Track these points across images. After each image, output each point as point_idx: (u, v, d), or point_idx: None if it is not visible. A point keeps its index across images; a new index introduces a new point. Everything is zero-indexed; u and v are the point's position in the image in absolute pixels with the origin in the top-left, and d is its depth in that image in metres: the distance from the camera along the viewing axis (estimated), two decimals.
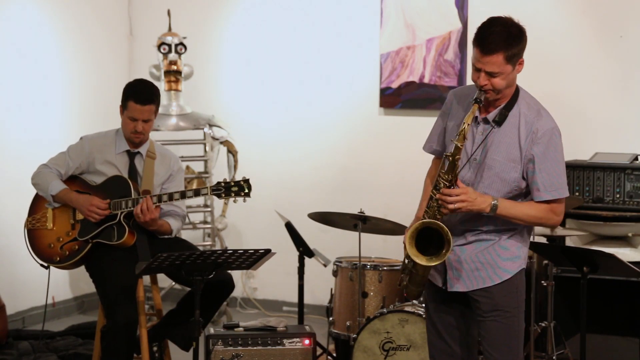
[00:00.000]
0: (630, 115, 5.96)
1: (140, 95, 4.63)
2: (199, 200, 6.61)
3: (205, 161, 6.59)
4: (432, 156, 3.79)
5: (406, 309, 4.82)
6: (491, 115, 3.49)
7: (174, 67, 6.48)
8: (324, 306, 5.67)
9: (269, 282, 7.02)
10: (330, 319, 5.30)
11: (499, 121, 3.47)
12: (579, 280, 4.23)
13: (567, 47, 6.10)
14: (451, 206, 3.41)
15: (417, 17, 6.46)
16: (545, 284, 5.10)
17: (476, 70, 3.42)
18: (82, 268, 4.76)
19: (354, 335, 4.89)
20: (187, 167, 6.63)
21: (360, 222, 5.08)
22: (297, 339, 4.73)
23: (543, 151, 3.44)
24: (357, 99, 6.74)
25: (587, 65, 6.07)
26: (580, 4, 6.09)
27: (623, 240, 5.45)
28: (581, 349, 4.25)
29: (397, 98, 6.56)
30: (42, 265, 4.73)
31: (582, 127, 5.90)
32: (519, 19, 3.43)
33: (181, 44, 6.46)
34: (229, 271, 4.53)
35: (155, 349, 4.78)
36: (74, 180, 4.76)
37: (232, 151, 6.61)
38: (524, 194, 3.53)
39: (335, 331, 5.24)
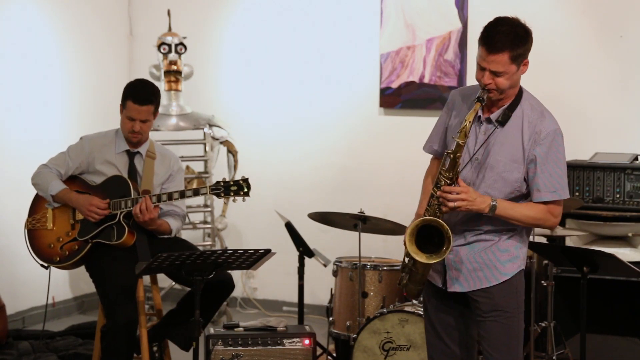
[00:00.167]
0: (630, 115, 5.96)
1: (138, 95, 4.63)
2: (199, 200, 6.61)
3: (205, 161, 6.59)
4: (432, 156, 3.79)
5: (406, 309, 4.82)
6: (494, 115, 3.49)
7: (174, 67, 6.48)
8: (324, 306, 5.67)
9: (269, 282, 7.02)
10: (330, 319, 5.30)
11: (502, 121, 3.48)
12: (579, 280, 4.22)
13: (567, 47, 6.10)
14: (451, 204, 3.41)
15: (417, 17, 6.46)
16: (545, 284, 5.10)
17: (481, 69, 3.42)
18: (82, 268, 4.77)
19: (354, 335, 4.89)
20: (187, 167, 6.63)
21: (360, 222, 5.08)
22: (297, 339, 4.73)
23: (545, 152, 3.44)
24: (357, 99, 6.74)
25: (587, 65, 6.07)
26: (580, 4, 6.09)
27: (623, 240, 5.45)
28: (581, 349, 4.25)
29: (397, 98, 6.56)
30: (42, 265, 4.73)
31: (582, 127, 5.90)
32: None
33: (181, 44, 6.46)
34: (229, 271, 4.53)
35: (155, 349, 4.78)
36: (73, 180, 4.76)
37: (232, 151, 6.61)
38: (525, 195, 3.54)
39: (335, 331, 5.24)
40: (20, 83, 6.47)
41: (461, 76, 6.33)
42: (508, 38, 3.36)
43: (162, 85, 6.46)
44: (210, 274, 4.08)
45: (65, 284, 6.81)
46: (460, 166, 3.45)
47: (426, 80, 6.46)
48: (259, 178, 5.95)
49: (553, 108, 3.60)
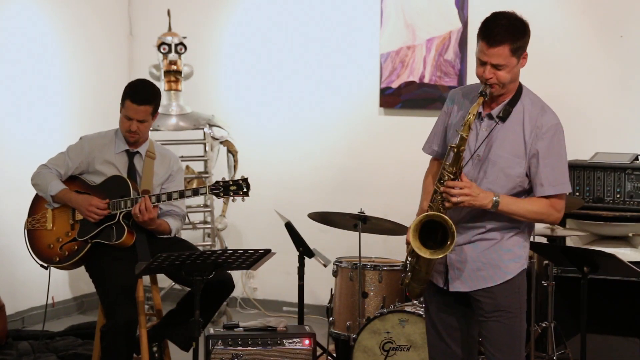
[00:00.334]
0: (630, 115, 5.96)
1: (137, 95, 4.62)
2: (199, 200, 6.60)
3: (205, 161, 6.59)
4: (431, 157, 3.79)
5: (406, 309, 4.81)
6: (495, 111, 3.50)
7: (174, 67, 6.48)
8: (324, 306, 5.67)
9: (269, 282, 7.01)
10: (330, 319, 5.29)
11: (503, 117, 3.48)
12: (579, 280, 4.22)
13: (567, 47, 6.10)
14: (454, 199, 3.40)
15: (417, 17, 6.45)
16: (545, 284, 5.10)
17: (481, 64, 3.43)
18: (82, 268, 4.76)
19: (354, 336, 4.89)
20: (187, 167, 6.63)
21: (360, 222, 5.08)
22: (297, 339, 4.73)
23: (547, 146, 3.45)
24: (357, 99, 6.73)
25: (587, 65, 6.06)
26: (580, 4, 6.08)
27: (623, 240, 5.45)
28: (581, 349, 4.25)
29: (397, 98, 6.56)
30: (41, 265, 4.73)
31: (582, 127, 5.90)
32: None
33: (181, 43, 6.46)
34: (229, 271, 4.53)
35: (155, 349, 4.77)
36: (73, 181, 4.75)
37: (232, 151, 6.61)
38: (527, 191, 3.54)
39: (335, 331, 5.24)
40: (20, 83, 6.47)
41: (461, 76, 6.32)
42: (507, 31, 3.38)
43: (162, 85, 6.46)
44: (210, 274, 4.07)
45: (65, 284, 6.80)
46: (463, 161, 3.44)
47: (426, 80, 6.46)
48: (259, 178, 5.95)
49: (553, 108, 3.60)
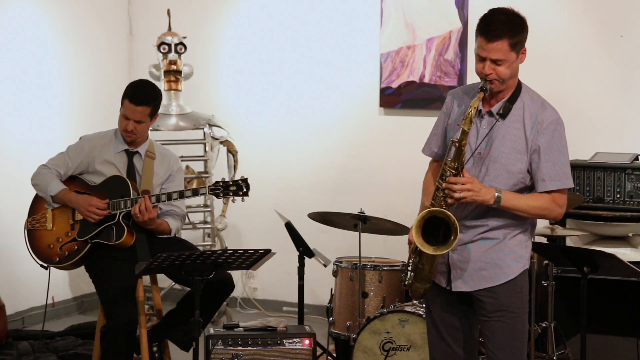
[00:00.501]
0: (630, 115, 5.96)
1: (135, 95, 4.62)
2: (199, 200, 6.60)
3: (205, 161, 6.58)
4: (430, 159, 3.79)
5: (406, 309, 4.82)
6: (495, 108, 3.50)
7: (174, 67, 6.48)
8: (324, 306, 5.67)
9: (269, 282, 7.01)
10: (330, 319, 5.29)
11: (503, 114, 3.49)
12: (579, 280, 4.22)
13: (568, 47, 6.10)
14: (457, 195, 3.40)
15: (417, 16, 6.45)
16: (545, 284, 5.10)
17: (480, 60, 3.44)
18: (82, 268, 4.76)
19: (354, 336, 4.89)
20: (187, 167, 6.63)
21: (360, 222, 5.08)
22: (297, 339, 4.73)
23: (548, 142, 3.46)
24: (357, 99, 6.73)
25: (587, 65, 6.06)
26: (580, 3, 6.08)
27: (623, 240, 5.45)
28: (581, 349, 4.25)
29: (397, 98, 6.56)
30: (41, 265, 4.73)
31: (583, 127, 5.89)
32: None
33: (181, 43, 6.46)
34: (229, 271, 4.53)
35: (155, 349, 4.77)
36: (73, 181, 4.75)
37: (232, 151, 6.61)
38: (529, 188, 3.53)
39: (335, 331, 5.24)
40: (20, 83, 6.47)
41: (461, 76, 6.32)
42: (506, 25, 3.39)
43: (162, 85, 6.46)
44: (210, 274, 4.07)
45: (65, 284, 6.80)
46: (465, 156, 3.44)
47: (426, 80, 6.45)
48: (259, 178, 5.95)
49: None
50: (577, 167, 5.44)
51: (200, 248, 5.39)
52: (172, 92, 6.50)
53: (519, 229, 3.55)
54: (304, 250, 5.26)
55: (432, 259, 3.50)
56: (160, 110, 5.28)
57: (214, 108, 6.88)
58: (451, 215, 3.39)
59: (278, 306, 6.99)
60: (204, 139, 6.55)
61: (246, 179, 4.53)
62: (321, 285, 6.40)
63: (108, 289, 4.51)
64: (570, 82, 6.06)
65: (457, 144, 3.42)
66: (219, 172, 6.52)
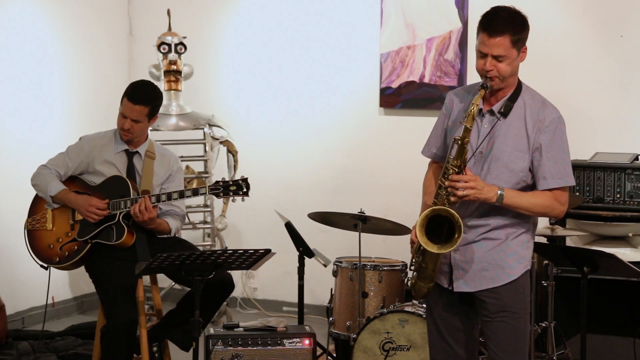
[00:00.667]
0: (630, 115, 5.96)
1: (134, 94, 4.62)
2: (199, 200, 6.60)
3: (205, 161, 6.58)
4: (430, 160, 3.78)
5: (406, 309, 4.82)
6: (496, 107, 3.51)
7: (174, 67, 6.47)
8: (324, 306, 5.67)
9: (269, 282, 7.01)
10: (330, 319, 5.29)
11: (505, 112, 3.49)
12: (579, 280, 4.22)
13: (568, 47, 6.10)
14: (460, 192, 3.40)
15: (417, 16, 6.45)
16: (545, 284, 5.10)
17: (482, 56, 3.44)
18: (82, 268, 4.76)
19: (354, 336, 4.89)
20: (187, 167, 6.63)
21: (360, 222, 5.08)
22: (297, 339, 4.73)
23: (550, 139, 3.46)
24: (357, 98, 6.73)
25: (587, 64, 6.06)
26: (580, 3, 6.08)
27: (623, 240, 5.45)
28: (581, 349, 4.25)
29: (397, 98, 6.56)
30: (41, 266, 4.73)
31: (583, 127, 5.89)
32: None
33: (181, 43, 6.46)
34: (229, 271, 4.52)
35: (155, 349, 4.77)
36: (73, 181, 4.75)
37: (232, 151, 6.61)
38: (531, 187, 3.53)
39: (335, 331, 5.24)
40: (20, 83, 6.47)
41: (461, 76, 6.32)
42: (508, 22, 3.41)
43: (162, 85, 6.46)
44: (210, 274, 4.07)
45: (65, 284, 6.80)
46: (467, 153, 3.44)
47: (426, 80, 6.45)
48: (259, 178, 5.95)
49: None
50: (577, 167, 5.44)
51: (200, 248, 5.39)
52: (172, 92, 6.50)
53: (521, 229, 3.55)
54: (304, 250, 5.26)
55: (435, 257, 3.50)
56: (160, 110, 5.27)
57: (214, 108, 6.88)
58: (455, 213, 3.39)
59: (278, 306, 6.99)
60: (204, 139, 6.55)
61: (246, 178, 4.53)
62: (321, 285, 6.40)
63: (108, 289, 4.51)
64: (570, 82, 6.06)
65: (459, 142, 3.42)
66: (219, 172, 6.52)
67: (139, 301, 4.49)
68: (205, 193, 4.55)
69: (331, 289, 5.36)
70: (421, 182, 3.79)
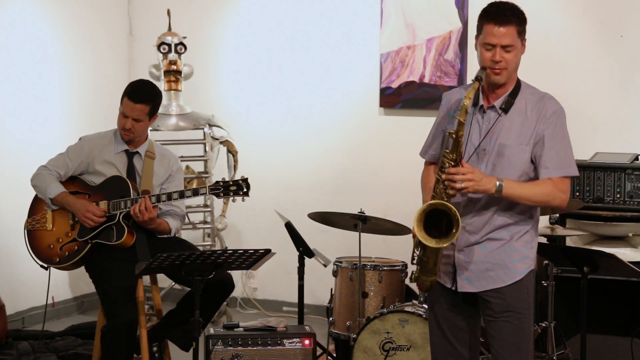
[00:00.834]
0: (630, 115, 5.96)
1: (135, 93, 4.63)
2: (199, 200, 6.60)
3: (205, 161, 6.58)
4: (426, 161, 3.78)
5: (406, 309, 4.81)
6: (497, 103, 3.51)
7: (174, 67, 6.48)
8: (324, 306, 5.67)
9: (269, 282, 7.01)
10: (330, 319, 5.29)
11: (506, 108, 3.50)
12: (579, 280, 4.22)
13: (568, 47, 6.10)
14: (458, 185, 3.38)
15: (417, 16, 6.45)
16: (545, 284, 5.10)
17: (489, 49, 3.45)
18: (82, 268, 4.76)
19: (354, 336, 4.89)
20: (187, 167, 6.63)
21: (360, 222, 5.08)
22: (297, 339, 4.73)
23: (552, 130, 3.47)
24: (357, 98, 6.73)
25: (587, 64, 6.06)
26: (580, 3, 6.08)
27: (623, 240, 5.45)
28: (581, 349, 4.25)
29: (397, 98, 6.56)
30: (41, 266, 4.73)
31: (583, 127, 5.88)
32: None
33: (181, 43, 6.46)
34: (229, 271, 4.52)
35: (155, 349, 4.77)
36: (73, 181, 4.75)
37: (232, 151, 6.61)
38: (533, 180, 3.53)
39: (335, 331, 5.24)
40: (20, 83, 6.47)
41: (461, 76, 6.32)
42: (513, 12, 3.46)
43: (162, 85, 6.46)
44: (210, 274, 4.07)
45: (65, 284, 6.80)
46: (462, 146, 3.43)
47: (426, 80, 6.45)
48: (259, 178, 5.95)
49: None
50: (577, 167, 5.43)
51: (200, 248, 5.39)
52: (172, 92, 6.51)
53: (525, 228, 3.54)
54: (304, 250, 5.26)
55: (436, 251, 3.47)
56: (160, 110, 5.28)
57: (214, 108, 6.88)
58: (452, 207, 3.37)
59: (278, 306, 6.99)
60: (204, 139, 6.55)
61: (246, 178, 4.53)
62: (321, 285, 6.40)
63: (108, 289, 4.51)
64: (570, 82, 6.06)
65: (454, 135, 3.41)
66: (219, 172, 6.52)
67: (139, 301, 4.49)
68: (205, 193, 4.55)
69: (331, 289, 5.36)
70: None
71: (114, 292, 4.47)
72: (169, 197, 4.57)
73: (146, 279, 4.80)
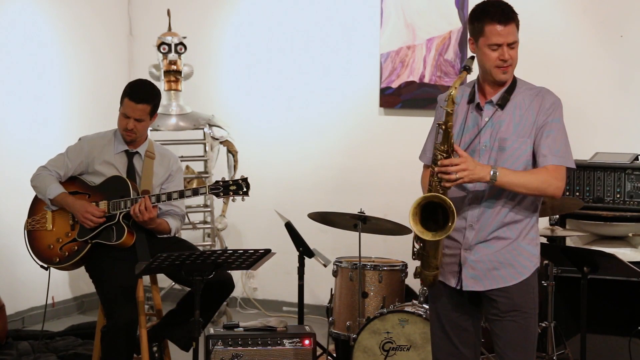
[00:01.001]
0: (630, 115, 5.96)
1: (136, 93, 4.63)
2: (199, 200, 6.60)
3: (205, 161, 6.59)
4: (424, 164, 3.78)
5: (406, 309, 4.81)
6: (495, 98, 3.51)
7: (174, 67, 6.48)
8: (324, 306, 5.67)
9: (269, 282, 7.01)
10: (330, 319, 5.29)
11: (502, 104, 3.50)
12: (579, 280, 4.22)
13: (567, 47, 6.10)
14: (452, 176, 3.36)
15: (417, 16, 6.45)
16: (545, 284, 5.10)
17: (495, 48, 3.45)
18: (82, 268, 4.76)
19: (354, 336, 4.89)
20: (187, 167, 6.63)
21: (360, 222, 5.08)
22: (297, 339, 4.73)
23: (550, 121, 3.47)
24: (357, 98, 6.73)
25: (587, 64, 6.06)
26: (580, 3, 6.08)
27: (623, 240, 5.45)
28: (581, 349, 4.25)
29: (397, 98, 6.56)
30: (41, 266, 4.73)
31: (582, 127, 5.89)
32: (519, 18, 3.48)
33: (181, 43, 6.46)
34: (229, 271, 4.52)
35: (155, 349, 4.78)
36: (73, 181, 4.75)
37: (232, 151, 6.61)
38: None
39: (335, 331, 5.24)
40: (20, 83, 6.47)
41: None
42: (511, 10, 3.47)
43: (161, 85, 6.46)
44: (210, 274, 4.07)
45: (65, 284, 6.80)
46: (453, 137, 3.41)
47: (426, 80, 6.46)
48: (259, 178, 5.95)
49: None
50: (577, 167, 5.44)
51: (200, 248, 5.39)
52: (172, 92, 6.51)
53: (529, 224, 3.53)
54: (304, 250, 5.26)
55: (435, 245, 3.45)
56: (160, 110, 5.28)
57: (214, 108, 6.88)
58: (447, 199, 3.34)
59: (278, 306, 6.99)
60: (204, 139, 6.55)
61: (246, 178, 4.53)
62: (321, 285, 6.40)
63: (108, 289, 4.51)
64: (570, 82, 6.05)
65: (443, 127, 3.40)
66: (219, 172, 6.52)
67: (139, 301, 4.49)
68: (205, 193, 4.56)
69: (331, 289, 5.36)
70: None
71: (114, 292, 4.47)
72: (169, 197, 4.57)
73: (146, 279, 4.80)
